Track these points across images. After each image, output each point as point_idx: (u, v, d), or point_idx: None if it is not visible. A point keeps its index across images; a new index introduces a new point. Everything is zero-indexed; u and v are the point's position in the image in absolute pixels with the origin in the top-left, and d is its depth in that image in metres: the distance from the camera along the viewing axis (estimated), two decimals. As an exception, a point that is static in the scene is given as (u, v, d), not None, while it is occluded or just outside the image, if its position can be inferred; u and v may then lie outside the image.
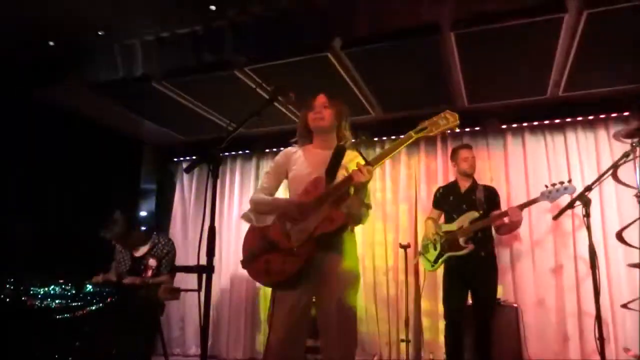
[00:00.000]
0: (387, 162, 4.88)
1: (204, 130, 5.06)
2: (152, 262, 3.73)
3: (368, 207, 2.28)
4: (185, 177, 5.98)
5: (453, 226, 3.76)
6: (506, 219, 3.69)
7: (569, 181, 3.55)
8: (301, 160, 2.38)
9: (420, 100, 4.34)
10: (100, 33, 3.55)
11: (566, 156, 4.63)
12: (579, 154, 4.59)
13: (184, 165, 6.00)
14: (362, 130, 4.87)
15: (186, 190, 5.97)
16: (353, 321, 2.20)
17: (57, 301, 2.98)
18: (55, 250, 4.14)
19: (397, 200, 5.07)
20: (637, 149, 3.31)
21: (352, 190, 2.17)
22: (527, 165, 4.73)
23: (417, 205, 4.95)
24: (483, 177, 4.51)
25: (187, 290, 4.08)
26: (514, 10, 3.16)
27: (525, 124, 4.78)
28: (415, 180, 5.06)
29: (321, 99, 2.39)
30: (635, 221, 3.56)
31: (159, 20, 3.44)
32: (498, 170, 4.82)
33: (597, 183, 3.13)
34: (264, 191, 2.40)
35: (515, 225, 3.78)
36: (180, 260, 4.39)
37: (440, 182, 4.80)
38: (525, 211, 3.83)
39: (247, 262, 2.29)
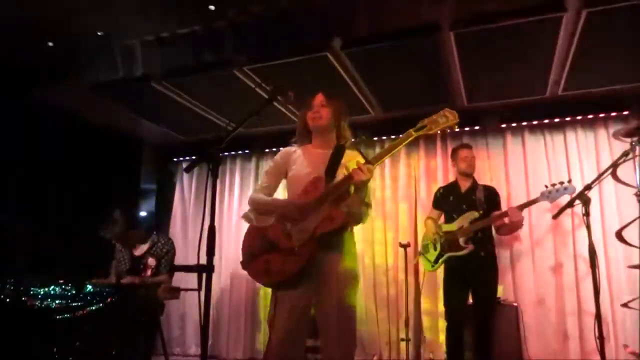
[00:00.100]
0: (387, 160, 4.88)
1: (204, 130, 5.07)
2: (151, 261, 3.74)
3: (368, 206, 2.28)
4: (185, 176, 5.98)
5: (453, 226, 3.76)
6: (506, 219, 3.69)
7: (569, 181, 3.55)
8: (300, 160, 2.38)
9: (419, 99, 4.34)
10: (99, 33, 3.55)
11: (566, 155, 4.63)
12: (578, 153, 4.59)
13: (184, 165, 6.01)
14: (362, 129, 4.89)
15: (186, 190, 5.97)
16: (353, 321, 2.20)
17: (57, 301, 2.98)
18: (55, 251, 4.14)
19: (397, 199, 5.07)
20: (637, 148, 3.31)
21: (352, 189, 2.17)
22: (527, 165, 4.73)
23: (417, 204, 4.95)
24: (482, 177, 4.51)
25: (187, 290, 4.08)
26: (514, 9, 3.17)
27: (524, 123, 4.78)
28: (415, 179, 5.06)
29: (319, 98, 2.38)
30: (634, 220, 3.56)
31: (158, 20, 3.44)
32: (497, 170, 4.82)
33: (597, 182, 3.13)
34: (263, 190, 2.40)
35: (516, 225, 3.76)
36: (180, 260, 4.39)
37: (440, 181, 4.80)
38: (525, 211, 3.83)
39: (246, 262, 2.28)
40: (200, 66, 3.87)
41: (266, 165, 5.42)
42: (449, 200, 3.91)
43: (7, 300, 3.00)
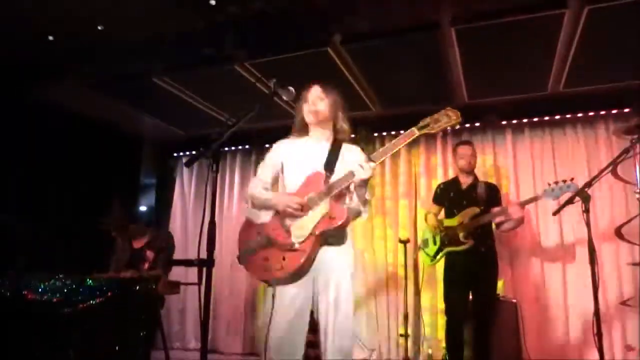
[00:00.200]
0: (387, 157, 4.88)
1: (204, 125, 5.06)
2: (149, 254, 3.74)
3: (367, 202, 2.28)
4: (185, 172, 5.99)
5: (453, 221, 3.77)
6: (508, 216, 3.69)
7: (572, 179, 3.54)
8: (298, 152, 2.36)
9: (420, 95, 4.34)
10: (100, 27, 3.54)
11: (566, 152, 4.63)
12: (578, 150, 4.59)
13: (184, 160, 6.01)
14: (362, 125, 4.89)
15: (186, 185, 5.97)
16: (350, 316, 2.20)
17: (57, 295, 2.98)
18: (55, 250, 4.15)
19: (397, 195, 5.07)
20: (637, 145, 3.31)
21: (352, 186, 2.17)
22: (528, 162, 4.73)
23: (417, 200, 4.95)
24: (482, 173, 4.50)
25: (187, 284, 4.08)
26: (515, 6, 3.16)
27: (525, 120, 4.77)
28: (415, 176, 5.06)
29: (316, 90, 2.36)
30: (634, 218, 3.56)
31: (159, 14, 3.43)
32: (497, 167, 4.82)
33: (597, 179, 3.13)
34: (261, 183, 2.37)
35: (517, 222, 3.76)
36: (180, 255, 4.39)
37: (440, 177, 4.80)
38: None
39: (244, 257, 2.27)
40: (201, 61, 3.86)
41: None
42: (449, 196, 3.91)
43: (7, 294, 3.00)
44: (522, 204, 3.71)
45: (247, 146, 5.67)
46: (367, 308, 4.88)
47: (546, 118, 4.71)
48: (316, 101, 2.33)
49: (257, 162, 5.55)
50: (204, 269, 1.85)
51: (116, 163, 5.32)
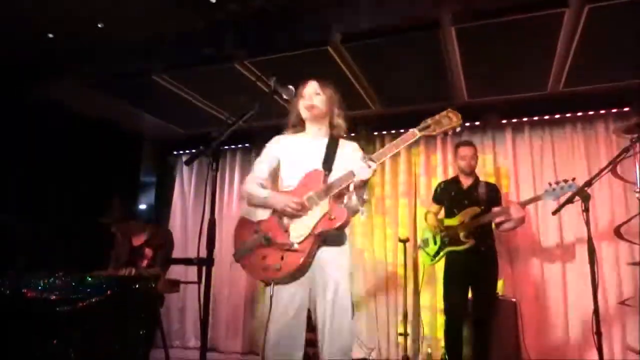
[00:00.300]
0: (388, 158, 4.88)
1: (204, 123, 5.06)
2: (147, 251, 3.74)
3: (365, 202, 2.26)
4: (185, 170, 5.99)
5: (454, 221, 3.77)
6: (509, 216, 3.69)
7: (573, 179, 3.53)
8: (294, 148, 2.35)
9: (420, 94, 4.34)
10: (100, 25, 3.54)
11: (566, 152, 4.63)
12: (578, 149, 4.58)
13: (184, 158, 6.01)
14: (362, 124, 4.89)
15: (186, 184, 5.98)
16: (349, 315, 2.19)
17: (56, 293, 2.98)
18: (55, 250, 4.15)
19: (397, 194, 5.07)
20: (637, 144, 3.31)
21: (352, 185, 2.16)
22: (527, 161, 4.73)
23: (417, 199, 4.95)
24: (482, 172, 4.50)
25: (187, 283, 4.08)
26: (516, 4, 3.16)
27: (525, 119, 4.77)
28: (415, 174, 5.05)
29: (312, 85, 2.34)
30: (634, 217, 3.56)
31: (159, 12, 3.43)
32: (497, 166, 4.81)
33: (597, 179, 3.13)
34: (257, 180, 2.35)
35: (517, 222, 3.75)
36: (179, 253, 4.40)
37: (440, 176, 4.80)
38: (524, 206, 3.83)
39: (240, 256, 2.24)
40: (201, 59, 3.86)
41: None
42: (450, 196, 3.91)
43: (7, 292, 3.00)
44: (523, 204, 3.71)
45: (247, 144, 5.66)
46: (366, 307, 4.88)
47: (546, 117, 4.71)
48: (312, 96, 2.32)
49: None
50: (204, 268, 1.85)
51: (116, 162, 5.31)
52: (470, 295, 3.75)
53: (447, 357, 3.72)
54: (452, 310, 3.70)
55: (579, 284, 4.28)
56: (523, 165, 4.74)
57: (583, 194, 3.03)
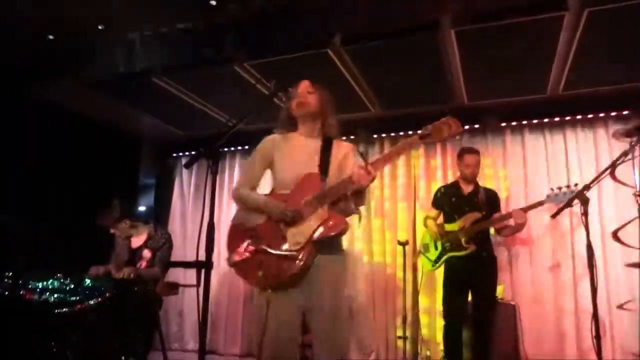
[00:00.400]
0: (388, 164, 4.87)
1: (204, 125, 5.06)
2: (146, 253, 3.74)
3: (363, 204, 2.23)
4: (184, 172, 5.98)
5: (454, 226, 3.77)
6: (511, 221, 3.70)
7: (576, 184, 3.53)
8: (287, 149, 2.31)
9: (420, 97, 4.34)
10: (100, 27, 3.54)
11: (565, 154, 4.63)
12: (578, 152, 4.58)
13: (183, 160, 6.00)
14: (362, 127, 4.88)
15: (185, 186, 5.97)
16: (344, 320, 2.17)
17: (55, 295, 2.98)
18: (54, 250, 4.14)
19: (396, 198, 5.06)
20: (636, 147, 3.31)
21: (349, 191, 2.13)
22: (526, 164, 4.72)
23: (416, 203, 4.95)
24: (481, 175, 4.49)
25: (185, 286, 4.08)
26: (515, 7, 3.16)
27: (524, 122, 4.77)
28: (414, 178, 5.05)
29: (304, 85, 2.32)
30: (632, 220, 3.56)
31: (159, 14, 3.43)
32: (497, 169, 4.81)
33: (596, 182, 3.13)
34: (250, 182, 2.32)
35: (519, 227, 3.76)
36: (178, 256, 4.39)
37: (439, 180, 4.79)
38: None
39: (235, 261, 2.19)
40: (201, 61, 3.86)
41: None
42: (450, 201, 3.90)
43: (6, 293, 3.00)
44: (526, 209, 3.71)
45: (246, 147, 5.65)
46: (365, 310, 4.86)
47: (545, 120, 4.70)
48: (305, 94, 2.29)
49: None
50: (203, 271, 1.84)
51: (116, 163, 5.31)
52: (470, 299, 3.75)
53: (446, 360, 3.72)
54: (452, 314, 3.70)
55: (578, 287, 4.28)
56: (522, 168, 4.73)
57: (582, 198, 3.03)
